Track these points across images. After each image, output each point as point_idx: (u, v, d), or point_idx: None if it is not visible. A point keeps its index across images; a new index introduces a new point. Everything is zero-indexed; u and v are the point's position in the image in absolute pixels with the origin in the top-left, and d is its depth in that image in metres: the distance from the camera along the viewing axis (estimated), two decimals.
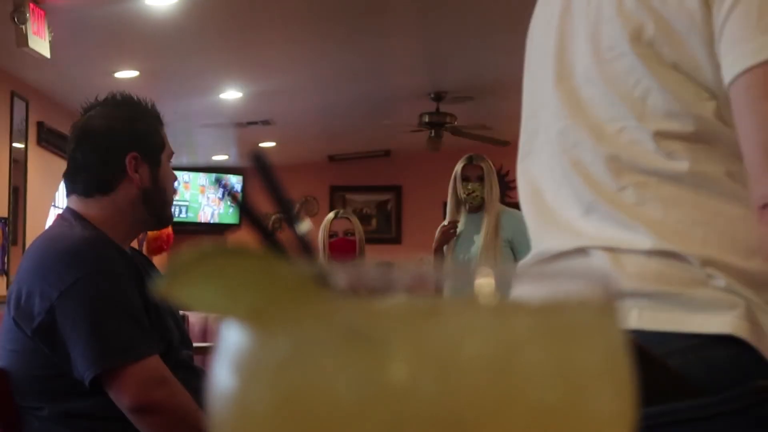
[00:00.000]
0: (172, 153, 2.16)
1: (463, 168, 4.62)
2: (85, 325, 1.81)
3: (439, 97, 7.54)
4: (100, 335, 1.82)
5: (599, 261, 1.09)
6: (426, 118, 7.81)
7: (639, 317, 1.03)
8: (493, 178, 4.62)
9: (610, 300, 0.38)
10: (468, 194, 4.56)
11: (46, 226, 7.18)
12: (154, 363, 1.86)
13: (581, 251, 1.12)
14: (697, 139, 1.07)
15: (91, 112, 2.08)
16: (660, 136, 1.08)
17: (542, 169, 1.23)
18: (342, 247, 4.58)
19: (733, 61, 1.01)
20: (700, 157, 1.07)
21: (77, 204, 2.04)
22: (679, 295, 1.03)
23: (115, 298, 1.86)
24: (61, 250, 1.90)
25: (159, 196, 2.09)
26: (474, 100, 7.63)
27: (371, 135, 8.99)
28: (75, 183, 2.05)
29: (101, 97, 2.13)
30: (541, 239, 1.21)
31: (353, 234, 4.64)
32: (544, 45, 1.24)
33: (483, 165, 4.67)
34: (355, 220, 4.74)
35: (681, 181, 1.07)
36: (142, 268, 2.03)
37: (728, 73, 1.02)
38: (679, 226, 1.06)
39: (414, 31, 5.97)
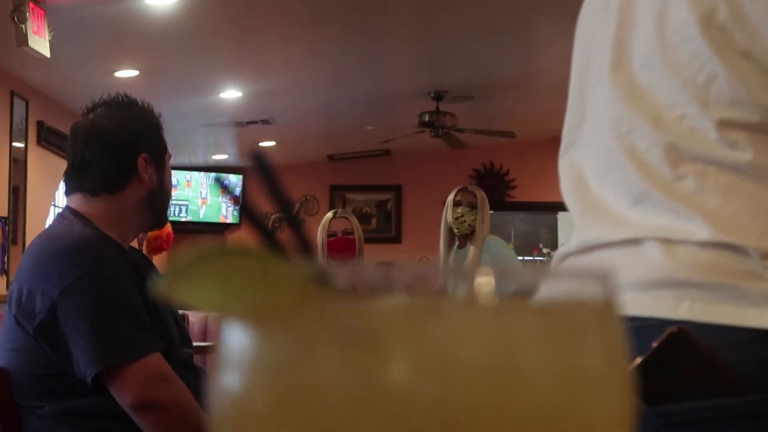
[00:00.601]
0: (170, 155, 2.19)
1: (456, 194, 4.63)
2: (86, 323, 1.82)
3: (439, 96, 7.54)
4: (101, 333, 1.82)
5: (652, 251, 1.06)
6: (426, 118, 7.81)
7: (690, 308, 1.01)
8: (486, 209, 4.60)
9: (610, 300, 0.38)
10: (456, 218, 4.55)
11: (46, 226, 7.19)
12: (156, 360, 1.86)
13: (632, 242, 1.09)
14: (761, 129, 1.04)
15: (98, 112, 2.09)
16: (723, 124, 1.05)
17: (588, 157, 1.20)
18: (341, 246, 4.56)
19: None
20: (763, 148, 1.04)
21: (80, 202, 2.05)
22: (734, 287, 1.00)
23: (116, 296, 1.86)
24: (62, 249, 1.90)
25: (163, 197, 2.13)
26: (474, 100, 7.63)
27: (371, 134, 8.99)
28: (81, 181, 2.06)
29: (101, 97, 2.14)
30: (587, 229, 1.17)
31: (352, 233, 4.61)
32: (602, 32, 1.21)
33: (477, 193, 4.66)
34: (353, 219, 4.72)
35: (742, 172, 1.04)
36: (141, 267, 2.04)
37: None
38: (737, 217, 1.03)
39: (414, 30, 5.97)
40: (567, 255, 1.20)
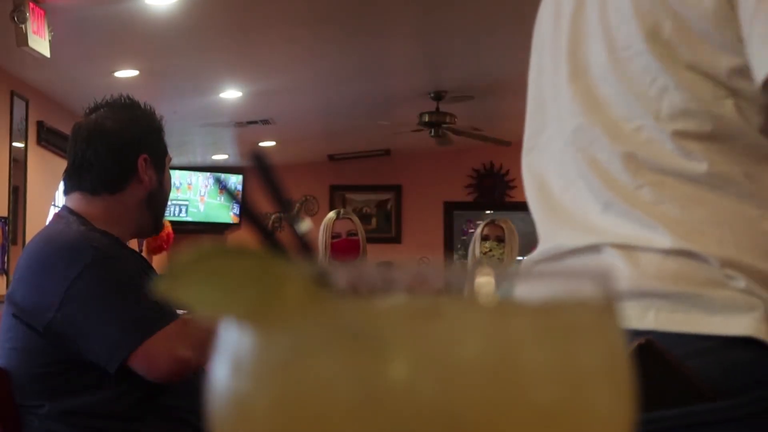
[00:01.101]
0: (171, 158, 2.20)
1: (483, 228, 4.66)
2: (98, 313, 1.84)
3: (439, 96, 7.54)
4: (111, 323, 1.84)
5: (612, 259, 1.07)
6: (426, 118, 7.81)
7: (656, 318, 1.02)
8: (515, 241, 4.61)
9: (610, 300, 0.38)
10: (484, 253, 4.56)
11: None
12: (172, 331, 1.87)
13: (595, 248, 1.11)
14: (715, 138, 1.06)
15: (100, 113, 2.10)
16: (678, 135, 1.07)
17: (550, 164, 1.22)
18: (345, 248, 4.54)
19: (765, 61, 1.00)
20: (718, 158, 1.05)
21: (78, 202, 2.05)
22: (697, 296, 1.01)
23: (121, 280, 1.88)
24: (60, 247, 1.91)
25: (162, 199, 2.14)
26: (474, 100, 7.63)
27: (371, 134, 8.99)
28: (81, 181, 2.07)
29: (102, 97, 2.15)
30: (552, 235, 1.19)
31: (356, 234, 4.59)
32: (555, 41, 1.23)
33: (504, 226, 4.67)
34: (356, 219, 4.70)
35: (699, 181, 1.05)
36: (142, 266, 2.04)
37: (761, 72, 1.00)
38: (697, 226, 1.04)
39: (414, 30, 5.97)
40: (536, 262, 1.22)
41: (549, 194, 1.21)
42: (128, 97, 2.15)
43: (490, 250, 4.54)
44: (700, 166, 1.05)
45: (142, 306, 1.85)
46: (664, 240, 1.04)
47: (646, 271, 1.04)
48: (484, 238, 4.63)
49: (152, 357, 1.83)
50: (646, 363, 0.97)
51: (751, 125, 1.05)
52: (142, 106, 2.15)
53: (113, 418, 1.89)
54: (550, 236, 1.20)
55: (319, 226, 4.66)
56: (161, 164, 2.12)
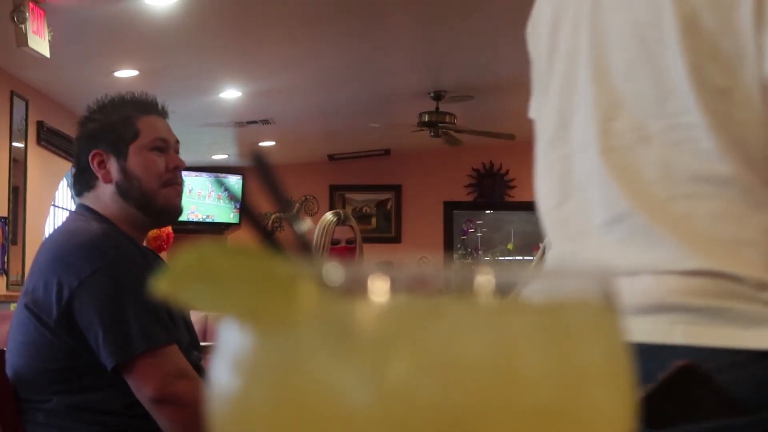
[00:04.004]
0: (160, 139, 2.10)
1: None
2: (103, 314, 1.84)
3: (438, 96, 7.54)
4: (118, 325, 1.84)
5: (642, 278, 1.04)
6: (425, 117, 7.81)
7: (685, 332, 1.00)
8: None
9: (610, 300, 0.38)
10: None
11: (46, 226, 7.20)
12: (176, 355, 1.88)
13: (615, 272, 1.08)
14: (745, 142, 1.03)
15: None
16: (718, 141, 1.03)
17: (575, 169, 1.17)
18: (342, 255, 4.51)
19: None
20: (747, 170, 1.03)
21: (87, 200, 2.10)
22: (727, 309, 1.00)
23: (133, 289, 1.87)
24: (79, 243, 1.93)
25: (134, 187, 2.06)
26: (474, 100, 7.63)
27: (371, 134, 8.99)
28: (73, 183, 2.16)
29: (101, 97, 2.17)
30: (562, 249, 1.16)
31: (354, 242, 4.56)
32: (570, 39, 1.19)
33: None
34: (356, 227, 4.63)
35: (729, 190, 1.03)
36: (156, 267, 2.04)
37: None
38: (729, 246, 1.02)
39: (414, 30, 5.97)
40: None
41: (565, 202, 1.17)
42: (114, 93, 2.16)
43: None
44: (731, 168, 1.03)
45: (148, 318, 1.86)
46: (690, 261, 1.02)
47: (670, 285, 1.02)
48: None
49: (145, 376, 1.84)
50: (683, 383, 0.97)
51: None
52: (113, 98, 2.13)
53: (120, 414, 1.89)
54: (561, 249, 1.17)
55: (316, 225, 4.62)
56: (122, 152, 2.07)
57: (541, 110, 1.25)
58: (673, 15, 1.06)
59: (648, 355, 0.97)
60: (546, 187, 1.21)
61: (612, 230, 1.09)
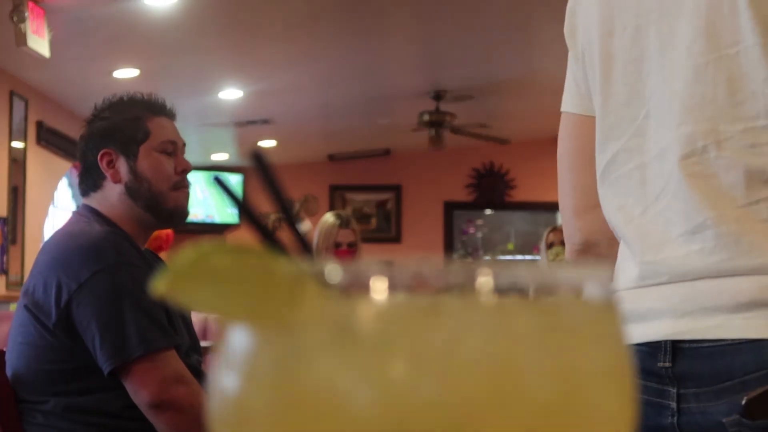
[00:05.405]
0: (170, 141, 2.10)
1: (547, 236, 4.69)
2: (101, 317, 1.84)
3: (438, 95, 7.54)
4: (116, 328, 1.84)
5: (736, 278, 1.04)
6: (426, 117, 7.80)
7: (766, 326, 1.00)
8: None
9: (610, 300, 0.38)
10: (552, 260, 4.60)
11: (46, 226, 7.19)
12: (174, 360, 1.87)
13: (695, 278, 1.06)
14: None
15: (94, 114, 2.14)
16: None
17: (651, 179, 1.14)
18: (344, 257, 4.49)
19: None
20: None
21: (91, 201, 2.09)
22: None
23: (133, 292, 1.87)
24: (81, 245, 1.92)
25: (143, 188, 2.06)
26: (474, 99, 7.63)
27: (371, 134, 8.99)
28: (79, 183, 2.13)
29: (102, 98, 2.16)
30: (642, 260, 1.13)
31: (355, 245, 4.52)
32: (631, 47, 1.16)
33: None
34: (357, 231, 4.58)
35: None
36: (156, 269, 2.03)
37: None
38: None
39: (414, 30, 5.97)
40: (632, 288, 1.14)
41: (639, 215, 1.15)
42: (125, 94, 2.15)
43: (558, 255, 4.60)
44: None
45: (146, 322, 1.86)
46: None
47: (744, 287, 1.02)
48: (550, 245, 4.68)
49: (143, 381, 1.83)
50: None
51: None
52: (125, 96, 2.13)
53: (118, 416, 1.89)
54: (642, 260, 1.13)
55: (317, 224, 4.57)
56: (133, 152, 2.06)
57: (602, 121, 1.21)
58: (751, 16, 1.04)
59: (743, 352, 0.99)
60: (622, 198, 1.18)
61: (693, 239, 1.07)
